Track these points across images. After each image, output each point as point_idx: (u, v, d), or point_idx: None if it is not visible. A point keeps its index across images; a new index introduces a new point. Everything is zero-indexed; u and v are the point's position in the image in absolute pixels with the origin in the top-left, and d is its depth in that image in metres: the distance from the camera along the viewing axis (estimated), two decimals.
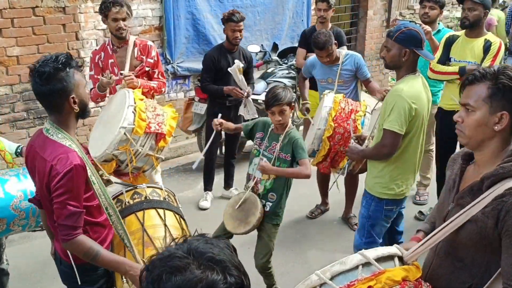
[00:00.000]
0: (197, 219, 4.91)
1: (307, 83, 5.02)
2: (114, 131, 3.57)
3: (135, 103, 3.64)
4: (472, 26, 4.36)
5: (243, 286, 1.17)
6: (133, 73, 4.21)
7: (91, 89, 4.39)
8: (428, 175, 5.29)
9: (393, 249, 1.93)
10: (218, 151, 6.17)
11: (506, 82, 1.80)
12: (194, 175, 5.69)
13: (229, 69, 4.83)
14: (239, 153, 5.77)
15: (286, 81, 6.36)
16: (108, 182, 2.71)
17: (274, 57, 6.91)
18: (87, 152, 2.51)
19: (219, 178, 5.61)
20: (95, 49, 4.60)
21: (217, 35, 6.69)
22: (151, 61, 4.35)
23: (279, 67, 6.59)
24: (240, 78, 4.85)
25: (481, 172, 1.87)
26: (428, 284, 1.87)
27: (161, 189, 3.04)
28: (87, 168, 2.26)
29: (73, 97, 2.25)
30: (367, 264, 1.83)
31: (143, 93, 4.15)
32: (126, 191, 2.93)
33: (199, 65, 5.94)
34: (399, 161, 3.26)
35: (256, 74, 7.16)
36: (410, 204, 5.23)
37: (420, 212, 5.00)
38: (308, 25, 7.67)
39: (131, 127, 3.54)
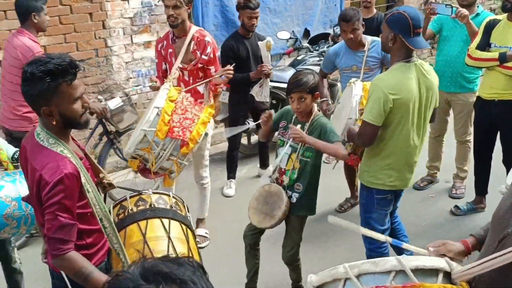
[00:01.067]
0: (222, 208, 4.85)
1: (326, 82, 4.82)
2: (137, 132, 3.54)
3: (163, 104, 3.57)
4: None
5: None
6: (178, 69, 4.08)
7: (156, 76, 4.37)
8: (466, 167, 5.02)
9: (440, 263, 1.71)
10: (247, 142, 6.08)
11: None
12: (222, 165, 5.59)
13: (259, 43, 4.87)
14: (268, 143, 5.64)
15: (317, 68, 6.15)
16: (110, 186, 2.52)
17: (305, 44, 6.70)
18: (85, 155, 2.36)
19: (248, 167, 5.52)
20: (159, 37, 4.45)
21: None
22: (205, 58, 4.11)
23: (310, 54, 6.39)
24: (266, 55, 4.87)
25: None
26: None
27: (168, 195, 2.84)
28: (81, 175, 2.11)
29: (47, 109, 2.06)
30: (402, 271, 1.65)
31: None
32: (130, 197, 2.75)
33: None
34: (385, 152, 3.17)
35: (286, 61, 7.01)
36: (445, 198, 5.02)
37: (456, 206, 4.75)
38: (341, 9, 7.41)
39: (153, 130, 3.49)
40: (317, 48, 6.59)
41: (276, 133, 3.53)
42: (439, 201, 4.96)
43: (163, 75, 4.31)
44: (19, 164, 2.92)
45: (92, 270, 2.08)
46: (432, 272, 1.67)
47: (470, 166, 4.95)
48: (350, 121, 3.72)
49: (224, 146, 6.16)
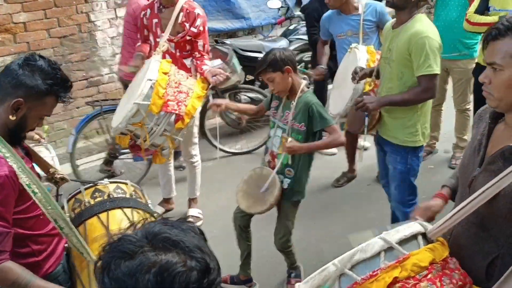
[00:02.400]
0: (215, 187, 4.73)
1: (327, 49, 4.61)
2: (129, 106, 3.35)
3: (156, 76, 3.37)
4: None
5: (207, 269, 1.02)
6: (166, 41, 3.86)
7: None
8: (465, 136, 4.88)
9: (416, 227, 1.76)
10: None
11: None
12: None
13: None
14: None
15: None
16: (62, 180, 2.38)
17: (297, 12, 6.46)
18: (27, 154, 2.18)
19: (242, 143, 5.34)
20: (144, 4, 4.23)
21: None
22: (194, 30, 3.86)
23: (302, 23, 6.14)
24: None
25: None
26: (455, 261, 1.71)
27: (126, 184, 2.66)
28: (23, 176, 1.92)
29: (20, 102, 1.92)
30: (389, 248, 1.66)
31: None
32: (85, 189, 2.56)
33: (218, 25, 5.63)
34: (426, 105, 3.18)
35: (278, 31, 6.79)
36: (445, 168, 4.89)
37: None
38: None
39: (146, 103, 3.30)
40: None
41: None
42: (438, 173, 4.82)
43: (145, 39, 4.10)
44: None
45: (30, 279, 1.89)
46: (412, 238, 1.72)
47: (470, 135, 4.80)
48: (358, 86, 3.55)
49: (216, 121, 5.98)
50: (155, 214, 2.59)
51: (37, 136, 3.25)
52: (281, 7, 6.17)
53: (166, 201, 4.44)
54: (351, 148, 4.67)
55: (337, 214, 4.30)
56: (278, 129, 3.13)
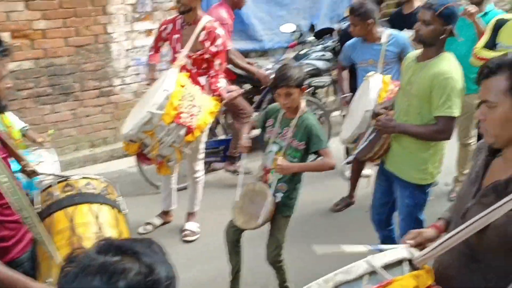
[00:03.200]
0: (216, 202, 4.75)
1: (346, 74, 4.68)
2: (142, 113, 3.42)
3: (173, 88, 3.44)
4: None
5: (151, 273, 1.03)
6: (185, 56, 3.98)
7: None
8: (466, 170, 4.83)
9: (402, 252, 1.77)
10: None
11: None
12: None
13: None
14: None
15: (320, 63, 6.02)
16: (33, 174, 2.45)
17: (310, 38, 6.55)
18: (2, 144, 2.25)
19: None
20: (166, 19, 4.36)
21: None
22: (214, 49, 3.97)
23: (313, 49, 6.23)
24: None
25: (509, 168, 1.71)
26: None
27: (97, 179, 2.71)
28: None
29: None
30: (373, 272, 1.66)
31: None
32: (58, 182, 2.61)
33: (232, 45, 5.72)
34: (440, 144, 3.19)
35: (290, 55, 6.86)
36: (444, 201, 4.87)
37: None
38: (349, 5, 7.24)
39: (160, 113, 3.36)
40: (321, 42, 6.44)
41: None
42: (437, 205, 4.79)
43: (155, 52, 4.25)
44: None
45: None
46: (398, 264, 1.73)
47: None
48: (367, 114, 3.57)
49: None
50: (123, 211, 2.64)
51: (41, 139, 3.33)
52: (294, 31, 6.25)
53: (165, 213, 4.48)
54: (356, 174, 4.70)
55: (333, 238, 4.29)
56: (274, 145, 3.18)
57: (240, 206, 3.23)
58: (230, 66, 5.11)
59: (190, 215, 4.38)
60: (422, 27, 2.99)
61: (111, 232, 2.40)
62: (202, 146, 4.22)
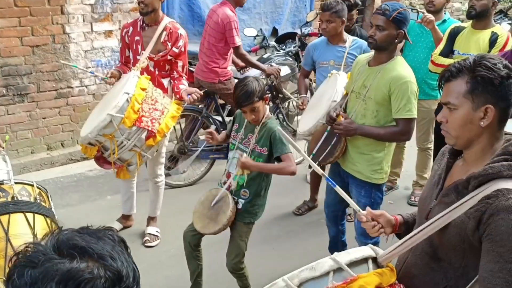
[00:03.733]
0: (176, 206, 4.68)
1: (307, 80, 4.72)
2: (102, 116, 3.33)
3: (134, 91, 3.37)
4: (479, 16, 4.09)
5: (119, 277, 1.00)
6: (147, 58, 3.89)
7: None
8: (426, 174, 4.99)
9: (367, 251, 1.82)
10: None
11: (484, 73, 1.67)
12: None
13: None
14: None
15: (283, 68, 6.05)
16: None
17: (272, 42, 6.59)
18: None
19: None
20: (127, 22, 4.26)
21: None
22: (176, 50, 3.91)
23: (276, 53, 6.27)
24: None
25: (469, 170, 1.76)
26: (402, 287, 1.76)
27: (32, 185, 2.63)
28: None
29: None
30: (339, 269, 1.69)
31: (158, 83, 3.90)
32: None
33: (194, 48, 5.68)
34: (392, 145, 3.34)
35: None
36: (404, 205, 4.98)
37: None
38: (311, 10, 7.32)
39: (120, 116, 3.29)
40: (283, 47, 6.48)
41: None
42: (397, 208, 4.90)
43: (125, 61, 4.14)
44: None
45: None
46: (362, 261, 1.77)
47: (430, 173, 4.91)
48: (334, 104, 3.61)
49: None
50: (56, 220, 2.56)
51: None
52: (257, 35, 6.27)
53: (125, 217, 4.38)
54: (316, 178, 4.72)
55: (296, 241, 4.32)
56: (237, 151, 3.17)
57: (200, 210, 3.20)
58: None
59: (151, 219, 4.30)
60: (376, 32, 3.06)
61: None
62: (164, 150, 4.15)
